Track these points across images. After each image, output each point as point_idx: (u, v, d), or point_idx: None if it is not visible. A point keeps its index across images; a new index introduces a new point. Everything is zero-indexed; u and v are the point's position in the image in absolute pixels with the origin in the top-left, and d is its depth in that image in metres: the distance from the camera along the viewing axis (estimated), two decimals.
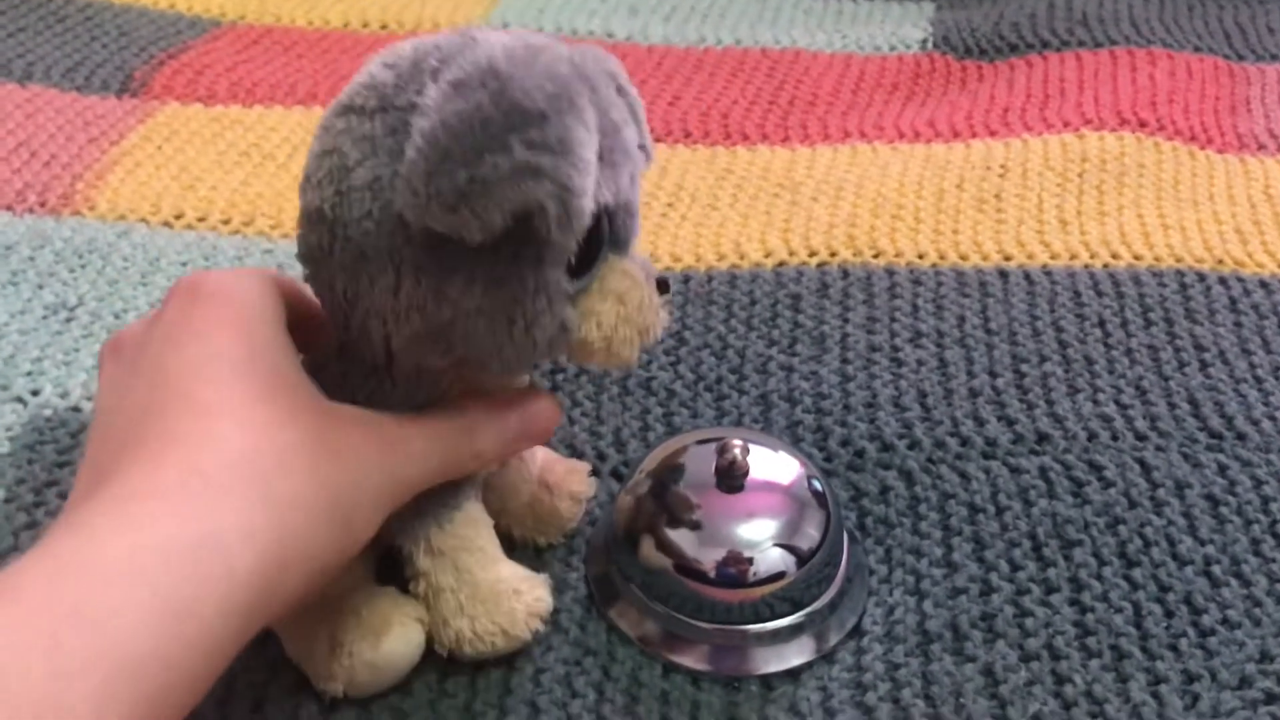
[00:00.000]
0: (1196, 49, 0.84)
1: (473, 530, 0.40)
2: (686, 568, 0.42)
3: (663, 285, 0.38)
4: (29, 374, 0.53)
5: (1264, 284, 0.61)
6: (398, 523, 0.38)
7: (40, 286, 0.58)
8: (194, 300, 0.35)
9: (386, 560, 0.41)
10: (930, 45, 0.87)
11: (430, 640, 0.40)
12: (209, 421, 0.32)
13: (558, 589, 0.44)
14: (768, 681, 0.41)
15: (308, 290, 0.37)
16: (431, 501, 0.39)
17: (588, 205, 0.33)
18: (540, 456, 0.45)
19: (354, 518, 0.34)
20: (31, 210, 0.63)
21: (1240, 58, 0.85)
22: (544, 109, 0.31)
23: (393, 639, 0.39)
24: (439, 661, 0.41)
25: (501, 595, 0.39)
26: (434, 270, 0.34)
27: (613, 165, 0.35)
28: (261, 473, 0.32)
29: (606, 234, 0.36)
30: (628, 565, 0.43)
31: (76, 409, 0.51)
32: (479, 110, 0.31)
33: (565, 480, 0.45)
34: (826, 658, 0.42)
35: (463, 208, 0.32)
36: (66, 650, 0.27)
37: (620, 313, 0.37)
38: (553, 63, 0.33)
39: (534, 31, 0.38)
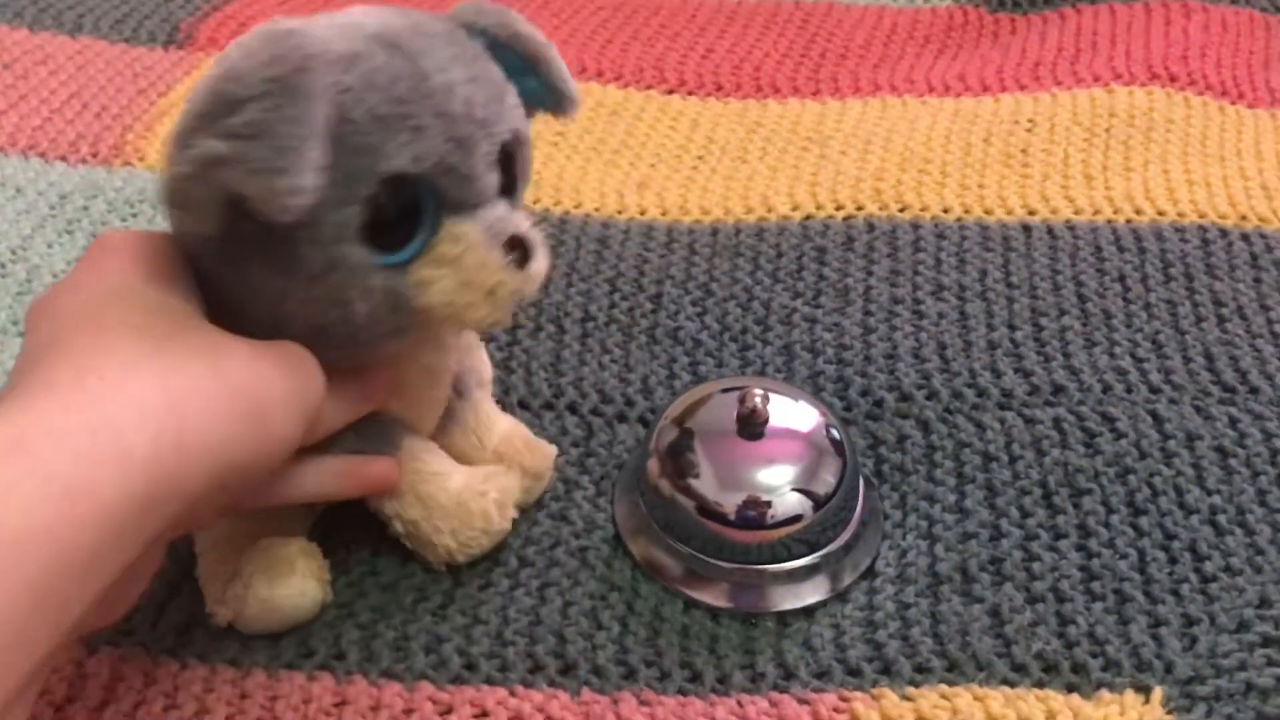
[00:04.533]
0: (1233, 1, 0.84)
1: (419, 462, 0.42)
2: (708, 510, 0.44)
3: (514, 243, 0.37)
4: None
5: None
6: None
7: (94, 235, 0.60)
8: (100, 250, 0.36)
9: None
10: None
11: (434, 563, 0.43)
12: (108, 335, 0.33)
13: (587, 529, 0.46)
14: (783, 618, 0.43)
15: None
16: (371, 454, 0.41)
17: (302, 182, 0.32)
18: (502, 428, 0.46)
19: (262, 415, 0.34)
20: (84, 161, 0.66)
21: (1278, 10, 0.85)
22: (244, 95, 0.31)
23: (289, 585, 0.41)
24: (471, 591, 0.43)
25: (469, 503, 0.42)
26: (235, 261, 0.35)
27: (418, 130, 0.34)
28: (158, 369, 0.32)
29: (427, 201, 0.36)
30: (652, 507, 0.45)
31: None
32: (194, 104, 0.33)
33: (520, 455, 0.46)
34: (840, 597, 0.44)
35: (172, 208, 0.34)
36: None
37: (455, 277, 0.36)
38: (298, 44, 0.32)
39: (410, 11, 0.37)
